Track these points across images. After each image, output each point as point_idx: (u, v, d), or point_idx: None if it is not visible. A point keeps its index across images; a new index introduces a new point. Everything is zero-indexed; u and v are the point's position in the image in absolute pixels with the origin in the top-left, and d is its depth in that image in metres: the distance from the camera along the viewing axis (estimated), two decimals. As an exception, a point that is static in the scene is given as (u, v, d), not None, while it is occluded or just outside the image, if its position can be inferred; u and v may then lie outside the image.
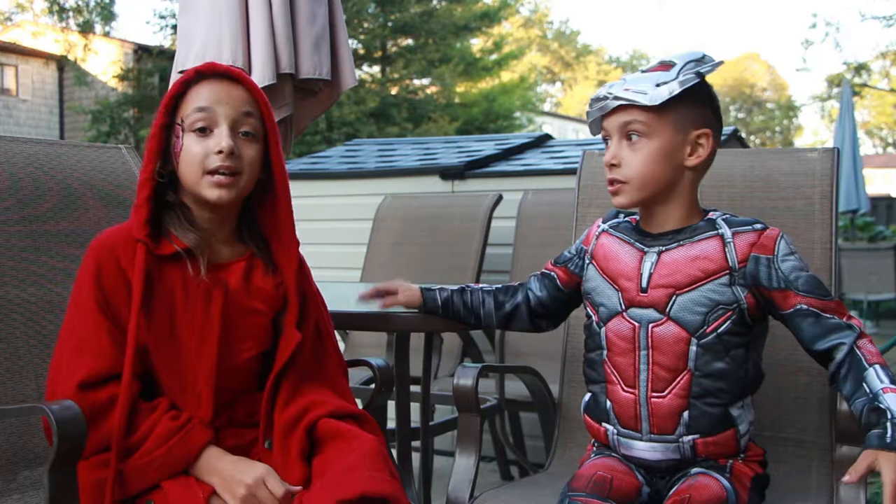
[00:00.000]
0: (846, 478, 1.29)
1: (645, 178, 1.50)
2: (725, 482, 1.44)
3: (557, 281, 1.73)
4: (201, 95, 1.45)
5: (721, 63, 1.55)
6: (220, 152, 1.42)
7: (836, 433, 1.59)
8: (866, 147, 38.25)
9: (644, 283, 1.51)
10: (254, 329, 1.51)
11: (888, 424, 1.31)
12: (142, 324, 1.41)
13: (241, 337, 1.49)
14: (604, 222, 1.66)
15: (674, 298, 1.49)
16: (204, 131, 1.44)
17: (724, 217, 1.53)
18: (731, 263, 1.47)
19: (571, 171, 3.51)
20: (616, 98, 1.50)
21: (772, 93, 42.82)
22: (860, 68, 19.86)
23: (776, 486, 1.62)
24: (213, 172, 1.43)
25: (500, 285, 1.80)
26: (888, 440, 1.29)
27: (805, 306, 1.45)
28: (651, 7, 79.60)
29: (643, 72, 1.53)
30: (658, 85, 1.47)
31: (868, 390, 1.37)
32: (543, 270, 1.77)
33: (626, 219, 1.63)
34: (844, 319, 1.45)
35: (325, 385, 1.53)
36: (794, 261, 1.47)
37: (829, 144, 14.60)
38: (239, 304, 1.49)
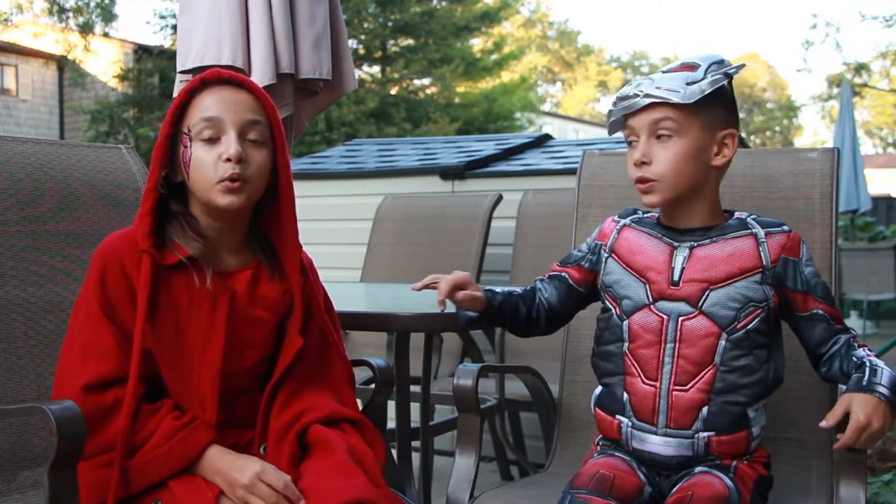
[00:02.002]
0: (823, 423, 1.40)
1: (676, 176, 1.51)
2: (728, 481, 1.45)
3: (570, 280, 1.70)
4: (207, 104, 1.44)
5: (743, 66, 1.58)
6: (228, 160, 1.41)
7: (836, 433, 1.58)
8: (866, 147, 38.26)
9: (676, 277, 1.53)
10: (258, 337, 1.51)
11: (867, 370, 1.44)
12: (147, 330, 1.42)
13: (245, 345, 1.49)
14: (621, 218, 1.66)
15: (707, 293, 1.51)
16: (211, 140, 1.43)
17: (753, 217, 1.57)
18: (764, 262, 1.51)
19: (571, 171, 3.51)
20: (647, 96, 1.50)
21: (772, 93, 42.82)
22: (860, 68, 19.83)
23: (776, 486, 1.62)
24: (222, 180, 1.42)
25: (517, 290, 1.74)
26: (864, 383, 1.41)
27: (821, 312, 1.53)
28: (651, 7, 79.61)
29: (664, 72, 1.54)
30: (688, 84, 1.49)
31: (855, 359, 1.49)
32: (551, 273, 1.74)
33: (647, 215, 1.63)
34: (842, 326, 1.55)
35: (325, 389, 1.52)
36: (813, 267, 1.55)
37: (829, 144, 14.60)
38: (244, 312, 1.49)
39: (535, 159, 4.11)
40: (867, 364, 1.45)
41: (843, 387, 1.47)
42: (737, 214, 1.58)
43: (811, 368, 1.79)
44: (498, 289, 1.73)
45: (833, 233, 1.84)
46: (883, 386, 1.40)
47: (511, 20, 30.56)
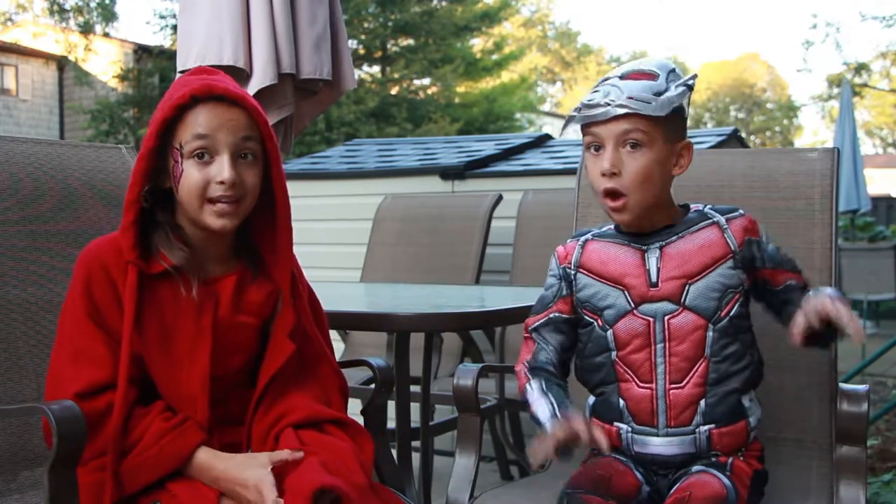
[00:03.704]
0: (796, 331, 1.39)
1: (644, 186, 1.50)
2: (726, 480, 1.45)
3: (564, 315, 1.63)
4: (199, 121, 1.41)
5: (696, 76, 1.58)
6: (221, 182, 1.40)
7: (836, 433, 1.59)
8: (866, 147, 38.20)
9: (654, 278, 1.53)
10: (244, 342, 1.51)
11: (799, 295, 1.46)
12: (135, 338, 1.41)
13: (231, 350, 1.49)
14: (577, 237, 1.64)
15: (687, 288, 1.51)
16: (203, 157, 1.41)
17: (710, 207, 1.58)
18: (732, 248, 1.53)
19: (571, 171, 3.51)
20: (620, 106, 1.47)
21: (772, 93, 42.74)
22: (860, 68, 19.83)
23: (776, 486, 1.62)
24: (214, 201, 1.41)
25: (543, 375, 1.62)
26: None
27: (794, 282, 1.54)
28: (651, 7, 79.59)
29: (621, 77, 1.51)
30: (655, 94, 1.48)
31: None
32: (538, 324, 1.64)
33: (605, 228, 1.62)
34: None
35: (308, 391, 1.51)
36: (774, 244, 1.57)
37: (829, 144, 14.59)
38: (229, 319, 1.48)
39: (535, 159, 4.12)
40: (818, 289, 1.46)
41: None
42: (693, 207, 1.58)
43: (810, 368, 1.80)
44: (549, 399, 1.55)
45: (833, 233, 1.84)
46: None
47: (511, 20, 30.54)
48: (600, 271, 1.58)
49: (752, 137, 38.36)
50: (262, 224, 1.50)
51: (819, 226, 1.85)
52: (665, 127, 1.50)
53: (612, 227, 1.61)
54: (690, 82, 1.52)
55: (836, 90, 22.00)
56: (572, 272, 1.61)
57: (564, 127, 1.59)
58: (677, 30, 73.66)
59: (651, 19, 78.40)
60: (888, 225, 12.17)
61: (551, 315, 1.63)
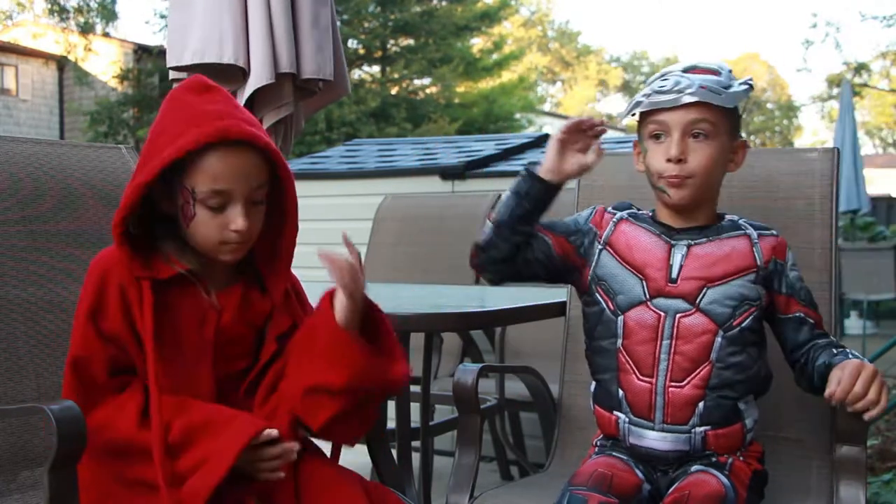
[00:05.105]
0: (827, 393, 1.42)
1: (706, 176, 1.53)
2: (724, 479, 1.46)
3: (553, 249, 1.61)
4: (216, 171, 1.36)
5: (751, 78, 1.60)
6: (235, 231, 1.39)
7: (836, 433, 1.59)
8: (866, 147, 38.15)
9: (675, 275, 1.54)
10: (246, 348, 1.51)
11: (849, 353, 1.48)
12: (157, 351, 1.40)
13: (233, 357, 1.49)
14: (617, 210, 1.65)
15: (705, 291, 1.52)
16: (218, 207, 1.39)
17: (744, 220, 1.60)
18: (758, 262, 1.54)
19: (571, 171, 3.51)
20: (692, 94, 1.50)
21: (772, 93, 42.79)
22: (860, 68, 19.79)
23: (776, 486, 1.63)
24: (226, 243, 1.41)
25: None
26: (849, 356, 1.47)
27: (803, 315, 1.56)
28: (651, 7, 79.60)
29: (684, 71, 1.54)
30: (724, 88, 1.51)
31: (835, 350, 1.51)
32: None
33: (643, 212, 1.64)
34: (822, 332, 1.58)
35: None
36: (797, 272, 1.58)
37: (829, 144, 14.57)
38: (232, 329, 1.48)
39: (534, 159, 4.11)
40: (849, 351, 1.50)
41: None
42: (728, 217, 1.61)
43: (811, 368, 1.79)
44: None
45: (833, 233, 1.84)
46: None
47: (511, 20, 30.54)
48: (625, 255, 1.59)
49: (752, 137, 38.37)
50: (264, 243, 1.50)
51: (819, 226, 1.85)
52: (729, 121, 1.53)
53: (650, 212, 1.62)
54: (750, 82, 1.56)
55: (835, 90, 21.97)
56: (599, 246, 1.61)
57: (628, 112, 1.59)
58: (677, 30, 73.62)
59: (651, 19, 78.37)
60: (888, 225, 12.15)
61: (544, 237, 1.61)
